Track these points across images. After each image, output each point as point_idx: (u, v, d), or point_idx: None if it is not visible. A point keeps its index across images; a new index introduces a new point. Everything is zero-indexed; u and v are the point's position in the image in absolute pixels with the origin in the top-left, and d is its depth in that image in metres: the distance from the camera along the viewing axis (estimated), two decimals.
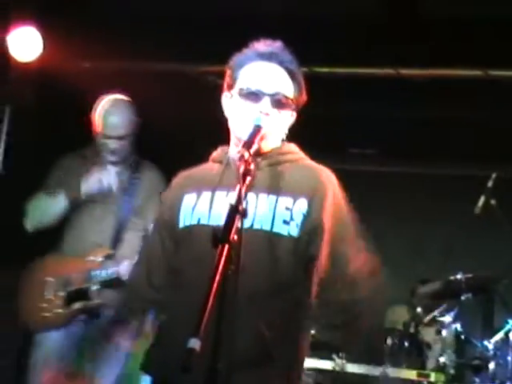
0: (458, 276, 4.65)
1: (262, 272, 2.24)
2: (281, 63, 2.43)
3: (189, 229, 2.36)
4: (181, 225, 2.39)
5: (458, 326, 4.60)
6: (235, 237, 1.90)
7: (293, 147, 2.49)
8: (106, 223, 4.13)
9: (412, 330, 4.72)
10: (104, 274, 3.97)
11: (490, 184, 4.63)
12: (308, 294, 2.33)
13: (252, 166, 2.09)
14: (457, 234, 5.69)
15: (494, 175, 4.65)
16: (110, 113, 4.16)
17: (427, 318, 4.75)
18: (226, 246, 1.86)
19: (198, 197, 2.39)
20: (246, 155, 2.10)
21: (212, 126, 3.12)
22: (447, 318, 4.63)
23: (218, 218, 2.19)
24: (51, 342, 4.04)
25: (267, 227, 2.28)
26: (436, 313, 4.73)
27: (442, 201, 5.71)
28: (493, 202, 4.59)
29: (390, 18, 4.62)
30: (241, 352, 2.12)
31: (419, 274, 5.17)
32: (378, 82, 4.97)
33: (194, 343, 1.70)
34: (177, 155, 4.24)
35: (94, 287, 3.96)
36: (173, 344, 2.14)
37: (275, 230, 2.28)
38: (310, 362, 4.51)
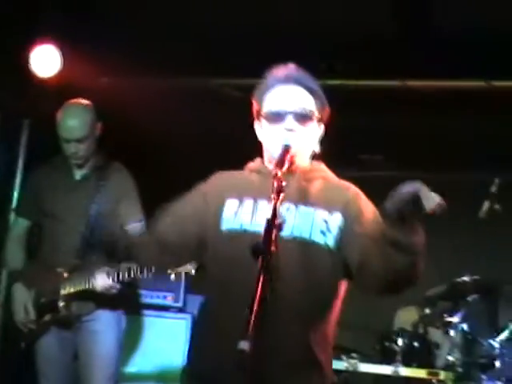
0: (465, 278, 4.83)
1: (299, 278, 2.40)
2: (298, 82, 2.60)
3: (231, 233, 2.48)
4: (223, 227, 2.51)
5: (465, 326, 4.73)
6: (273, 248, 2.08)
7: (322, 166, 2.67)
8: (75, 232, 4.19)
9: (421, 330, 4.87)
10: (69, 288, 4.09)
11: (493, 189, 4.77)
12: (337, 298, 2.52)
13: (284, 183, 2.26)
14: (463, 237, 5.84)
15: (496, 180, 4.79)
16: (66, 116, 4.20)
17: (435, 319, 4.90)
18: (266, 257, 2.04)
19: (241, 203, 2.53)
20: (279, 174, 2.29)
21: (231, 137, 3.26)
22: (454, 319, 4.76)
23: (260, 226, 2.29)
24: (45, 349, 4.23)
25: (306, 235, 2.44)
26: (444, 314, 4.87)
27: (448, 205, 5.84)
28: (497, 206, 4.74)
29: (401, 31, 4.79)
30: (286, 356, 2.32)
31: (426, 277, 5.31)
32: (386, 94, 5.14)
33: (244, 345, 1.88)
34: (195, 166, 4.37)
35: (61, 303, 4.11)
36: (221, 348, 2.28)
37: (313, 238, 2.44)
38: None
